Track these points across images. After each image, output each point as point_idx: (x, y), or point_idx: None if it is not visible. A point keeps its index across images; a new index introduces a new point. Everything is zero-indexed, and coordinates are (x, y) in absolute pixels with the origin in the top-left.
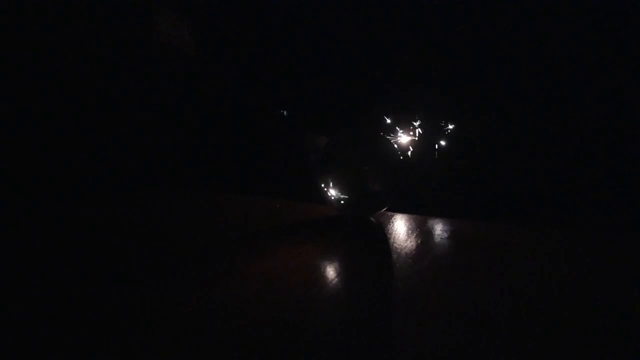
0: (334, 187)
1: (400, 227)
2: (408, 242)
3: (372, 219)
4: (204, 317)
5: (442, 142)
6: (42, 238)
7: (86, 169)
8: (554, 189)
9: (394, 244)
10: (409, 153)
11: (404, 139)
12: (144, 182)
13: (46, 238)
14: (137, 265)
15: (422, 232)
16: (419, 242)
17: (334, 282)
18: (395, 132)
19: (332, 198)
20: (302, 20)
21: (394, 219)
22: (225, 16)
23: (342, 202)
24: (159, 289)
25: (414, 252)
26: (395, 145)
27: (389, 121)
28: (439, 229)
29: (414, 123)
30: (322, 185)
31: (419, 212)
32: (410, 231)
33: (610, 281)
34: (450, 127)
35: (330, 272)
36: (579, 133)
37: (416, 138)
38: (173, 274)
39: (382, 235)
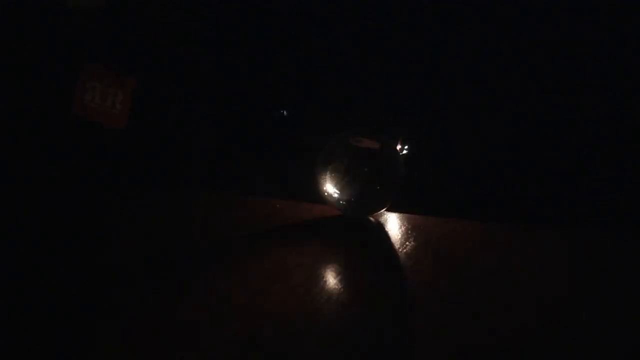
0: (335, 187)
1: (400, 227)
2: (408, 242)
3: (372, 218)
4: (203, 317)
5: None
6: (40, 237)
7: (85, 167)
8: (555, 188)
9: (395, 244)
10: (406, 152)
11: (402, 138)
12: (143, 182)
13: (44, 237)
14: (135, 265)
15: (422, 232)
16: (419, 242)
17: (334, 282)
18: (394, 132)
19: (333, 198)
20: (302, 19)
21: (395, 218)
22: (225, 13)
23: (342, 202)
24: (158, 289)
25: (414, 252)
26: (395, 146)
27: (389, 121)
28: (439, 228)
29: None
30: (323, 185)
31: (419, 212)
32: (410, 231)
33: (610, 281)
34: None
35: (331, 272)
36: (578, 133)
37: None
38: (172, 274)
39: (383, 235)
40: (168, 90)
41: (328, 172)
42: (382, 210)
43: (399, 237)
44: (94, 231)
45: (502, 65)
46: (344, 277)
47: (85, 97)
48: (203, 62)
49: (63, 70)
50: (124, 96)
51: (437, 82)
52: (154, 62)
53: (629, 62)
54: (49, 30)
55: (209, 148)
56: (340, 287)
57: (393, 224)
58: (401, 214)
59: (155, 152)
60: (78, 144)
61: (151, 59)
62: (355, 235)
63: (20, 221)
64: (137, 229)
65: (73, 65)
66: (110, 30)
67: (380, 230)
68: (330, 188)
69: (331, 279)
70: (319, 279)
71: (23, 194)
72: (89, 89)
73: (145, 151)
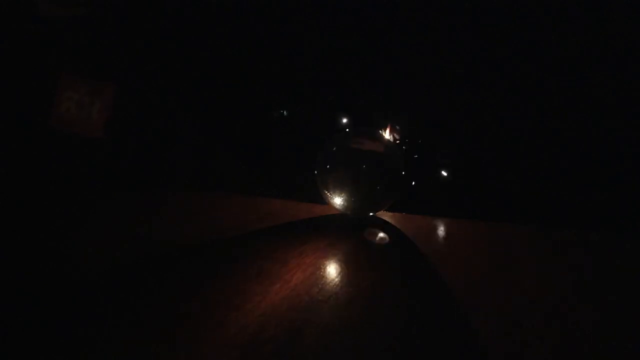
0: (335, 187)
1: (401, 227)
2: (407, 241)
3: (372, 218)
4: (203, 317)
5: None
6: (39, 237)
7: (85, 167)
8: (555, 188)
9: (395, 244)
10: (406, 153)
11: (402, 139)
12: (143, 182)
13: (44, 237)
14: (135, 264)
15: (421, 231)
16: (420, 241)
17: (334, 281)
18: (394, 133)
19: (333, 198)
20: (302, 20)
21: (395, 218)
22: (225, 14)
23: (343, 202)
24: (158, 288)
25: (413, 252)
26: (395, 146)
27: (390, 122)
28: (438, 228)
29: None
30: (323, 185)
31: (418, 212)
32: (409, 230)
33: (611, 281)
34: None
35: (331, 271)
36: (578, 133)
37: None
38: (172, 273)
39: (383, 235)
40: (162, 92)
41: (329, 173)
42: (382, 210)
43: (400, 236)
44: (93, 230)
45: (502, 65)
46: (345, 277)
47: (61, 107)
48: (199, 62)
49: (42, 78)
50: (101, 105)
51: (437, 81)
52: (146, 63)
53: (629, 62)
54: (27, 38)
55: (207, 148)
56: (340, 287)
57: (393, 224)
58: (401, 214)
59: (154, 152)
60: (75, 144)
61: (144, 60)
62: (356, 234)
63: (20, 221)
64: (136, 228)
65: (51, 73)
66: (94, 36)
67: (380, 229)
68: (330, 188)
69: (331, 279)
70: (319, 279)
71: (22, 194)
72: (64, 100)
73: (144, 152)
